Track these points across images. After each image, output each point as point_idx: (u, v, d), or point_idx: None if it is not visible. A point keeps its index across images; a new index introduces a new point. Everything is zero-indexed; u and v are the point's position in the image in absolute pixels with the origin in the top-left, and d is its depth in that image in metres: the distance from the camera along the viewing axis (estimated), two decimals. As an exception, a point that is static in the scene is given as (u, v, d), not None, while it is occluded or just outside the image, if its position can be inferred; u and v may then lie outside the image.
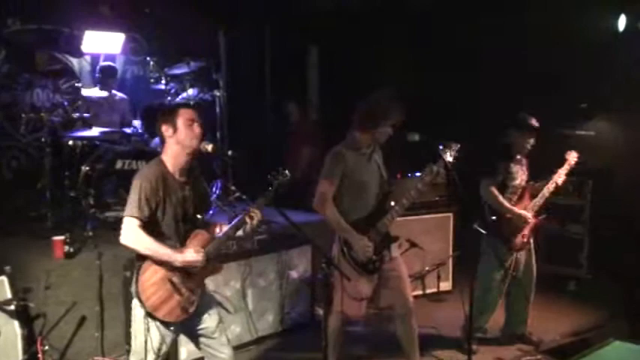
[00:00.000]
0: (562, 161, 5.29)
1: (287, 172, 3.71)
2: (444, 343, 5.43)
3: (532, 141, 5.20)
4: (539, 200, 5.27)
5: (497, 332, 5.57)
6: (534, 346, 5.40)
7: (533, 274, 5.39)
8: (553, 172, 5.25)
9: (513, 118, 5.26)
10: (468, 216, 5.45)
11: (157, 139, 6.17)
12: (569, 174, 5.29)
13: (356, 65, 8.08)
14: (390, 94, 4.40)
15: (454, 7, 7.46)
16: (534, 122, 5.17)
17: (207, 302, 3.76)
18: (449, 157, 4.28)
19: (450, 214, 6.68)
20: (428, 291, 6.52)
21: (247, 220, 3.63)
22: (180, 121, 3.59)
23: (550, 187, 5.23)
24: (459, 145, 4.29)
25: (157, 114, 3.76)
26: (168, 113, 3.66)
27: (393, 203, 4.42)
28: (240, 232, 3.69)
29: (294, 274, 5.75)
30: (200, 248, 3.58)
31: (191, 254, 3.54)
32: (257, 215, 3.65)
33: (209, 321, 3.73)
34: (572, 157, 5.29)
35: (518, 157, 5.29)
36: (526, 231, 5.24)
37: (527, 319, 5.48)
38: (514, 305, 5.45)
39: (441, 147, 4.29)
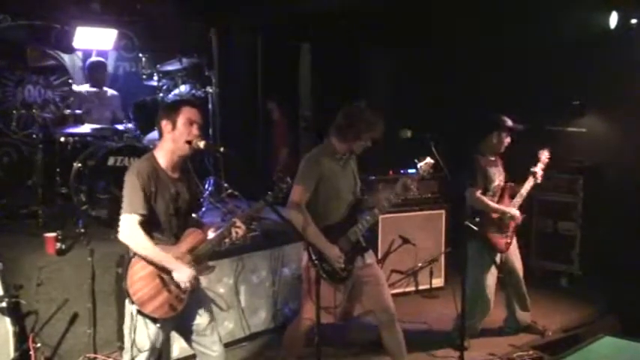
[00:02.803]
0: (558, 155, 5.36)
1: (289, 179, 3.71)
2: (436, 339, 5.44)
3: (508, 141, 5.28)
4: (518, 199, 5.33)
5: (498, 325, 5.64)
6: (540, 335, 5.50)
7: (519, 267, 5.47)
8: (529, 171, 5.33)
9: (492, 120, 5.29)
10: (459, 212, 5.49)
11: (149, 136, 6.19)
12: (545, 170, 5.36)
13: (348, 63, 8.08)
14: (373, 107, 4.31)
15: (450, 5, 7.47)
16: (511, 123, 5.24)
17: (198, 299, 3.73)
18: (423, 171, 4.29)
19: (443, 211, 6.70)
20: (420, 287, 6.54)
21: (233, 232, 3.64)
22: (181, 120, 3.56)
23: (527, 186, 5.31)
24: (432, 161, 4.27)
25: (161, 108, 3.76)
26: (171, 109, 3.64)
27: (366, 209, 4.36)
28: (226, 241, 3.70)
29: (286, 270, 5.75)
30: (195, 274, 3.56)
31: (185, 271, 3.52)
32: (241, 229, 3.64)
33: (200, 318, 3.71)
34: (545, 155, 5.39)
35: (492, 158, 5.33)
36: (510, 231, 5.29)
37: (528, 307, 5.57)
38: (514, 298, 5.52)
39: (416, 161, 4.30)
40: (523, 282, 5.50)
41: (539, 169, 5.31)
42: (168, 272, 3.53)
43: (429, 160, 4.27)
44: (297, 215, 4.12)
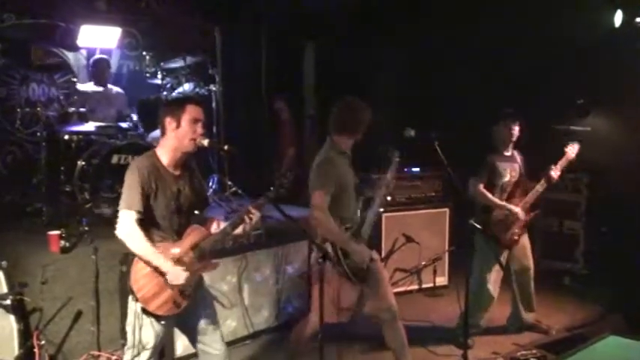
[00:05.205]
0: (559, 155, 5.30)
1: (291, 173, 3.68)
2: (440, 337, 5.44)
3: (516, 128, 5.20)
4: (531, 197, 5.27)
5: (502, 324, 5.63)
6: (544, 334, 5.49)
7: (530, 266, 5.42)
8: (549, 167, 5.25)
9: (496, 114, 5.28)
10: (463, 211, 5.47)
11: (153, 134, 6.19)
12: (566, 169, 5.29)
13: (352, 62, 8.06)
14: (378, 106, 4.38)
15: (452, 3, 7.45)
16: (510, 110, 5.20)
17: (202, 297, 3.73)
18: (396, 163, 4.35)
19: (446, 209, 6.70)
20: (424, 286, 6.52)
21: (246, 219, 3.59)
22: (186, 119, 3.55)
23: (539, 187, 5.22)
24: (398, 152, 4.36)
25: (163, 104, 3.74)
26: (176, 106, 3.62)
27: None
28: (238, 230, 3.66)
29: (290, 269, 5.75)
30: (189, 275, 3.50)
31: (178, 274, 3.47)
32: (255, 215, 3.60)
33: (203, 316, 3.70)
34: (572, 150, 5.26)
35: (507, 153, 5.29)
36: (517, 228, 5.25)
37: (534, 308, 5.56)
38: (519, 296, 5.50)
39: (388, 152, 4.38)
40: (532, 282, 5.48)
41: (555, 171, 5.19)
42: None
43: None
44: (324, 219, 4.11)
